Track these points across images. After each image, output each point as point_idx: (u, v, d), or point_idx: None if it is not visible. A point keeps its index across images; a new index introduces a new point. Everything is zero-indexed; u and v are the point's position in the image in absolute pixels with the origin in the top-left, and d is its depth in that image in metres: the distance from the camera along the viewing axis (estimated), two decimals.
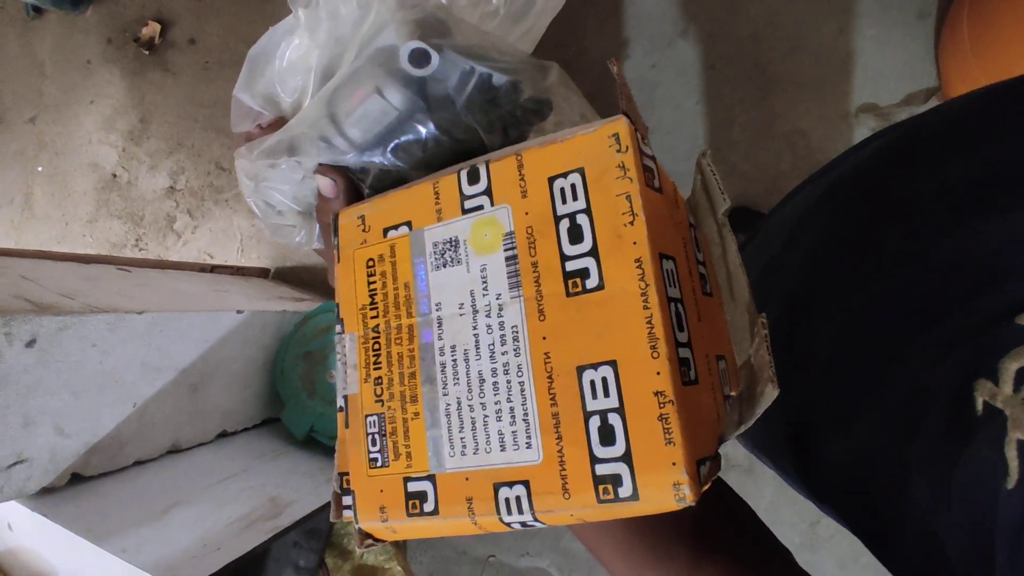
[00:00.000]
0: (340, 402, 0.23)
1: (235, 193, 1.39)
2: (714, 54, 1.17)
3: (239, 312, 0.84)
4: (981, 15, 0.89)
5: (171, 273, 1.01)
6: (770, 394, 0.18)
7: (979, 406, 0.19)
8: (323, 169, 0.27)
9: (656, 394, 0.18)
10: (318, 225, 0.29)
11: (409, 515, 0.21)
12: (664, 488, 0.17)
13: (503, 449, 0.19)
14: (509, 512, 0.19)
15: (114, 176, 1.48)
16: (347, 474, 0.23)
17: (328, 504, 0.77)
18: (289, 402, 0.91)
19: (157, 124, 1.45)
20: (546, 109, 0.26)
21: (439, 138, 0.25)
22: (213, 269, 1.17)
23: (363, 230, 0.24)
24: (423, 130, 0.25)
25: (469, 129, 0.25)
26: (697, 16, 1.18)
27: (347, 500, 0.23)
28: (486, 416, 0.20)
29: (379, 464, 0.22)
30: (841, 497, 0.32)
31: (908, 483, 0.23)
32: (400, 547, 0.93)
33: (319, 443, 0.91)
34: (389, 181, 0.27)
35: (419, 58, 0.24)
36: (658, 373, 0.18)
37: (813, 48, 1.13)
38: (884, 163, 0.35)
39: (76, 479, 0.64)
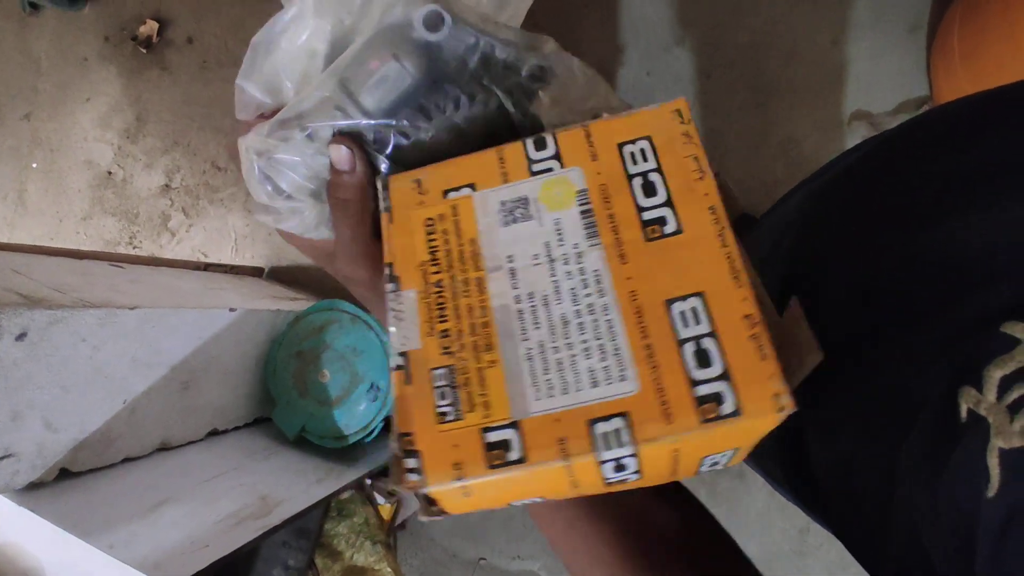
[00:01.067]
0: (398, 360, 0.22)
1: (230, 192, 1.39)
2: (710, 62, 1.18)
3: (232, 310, 0.84)
4: (971, 29, 0.91)
5: (164, 270, 1.01)
6: (815, 358, 0.20)
7: (963, 413, 0.20)
8: (339, 138, 0.26)
9: (745, 317, 0.19)
10: (328, 207, 0.28)
11: (491, 467, 0.19)
12: (765, 399, 0.18)
13: (595, 385, 0.20)
14: (608, 447, 0.19)
15: (109, 173, 1.47)
16: (409, 435, 0.21)
17: (317, 504, 0.77)
18: (280, 401, 0.91)
19: (153, 122, 1.45)
20: (548, 75, 0.27)
21: (458, 102, 0.26)
22: (207, 267, 1.17)
23: (419, 192, 0.25)
24: (439, 96, 0.26)
25: (485, 93, 0.26)
26: (694, 23, 1.19)
27: (410, 463, 0.20)
28: (573, 356, 0.20)
29: (450, 418, 0.20)
30: (828, 503, 0.32)
31: (894, 489, 0.23)
32: (391, 548, 0.92)
33: (310, 443, 0.91)
34: (407, 150, 0.27)
35: (434, 21, 0.25)
36: (744, 299, 0.20)
37: (808, 58, 1.14)
38: (876, 167, 0.35)
39: (64, 474, 0.64)
